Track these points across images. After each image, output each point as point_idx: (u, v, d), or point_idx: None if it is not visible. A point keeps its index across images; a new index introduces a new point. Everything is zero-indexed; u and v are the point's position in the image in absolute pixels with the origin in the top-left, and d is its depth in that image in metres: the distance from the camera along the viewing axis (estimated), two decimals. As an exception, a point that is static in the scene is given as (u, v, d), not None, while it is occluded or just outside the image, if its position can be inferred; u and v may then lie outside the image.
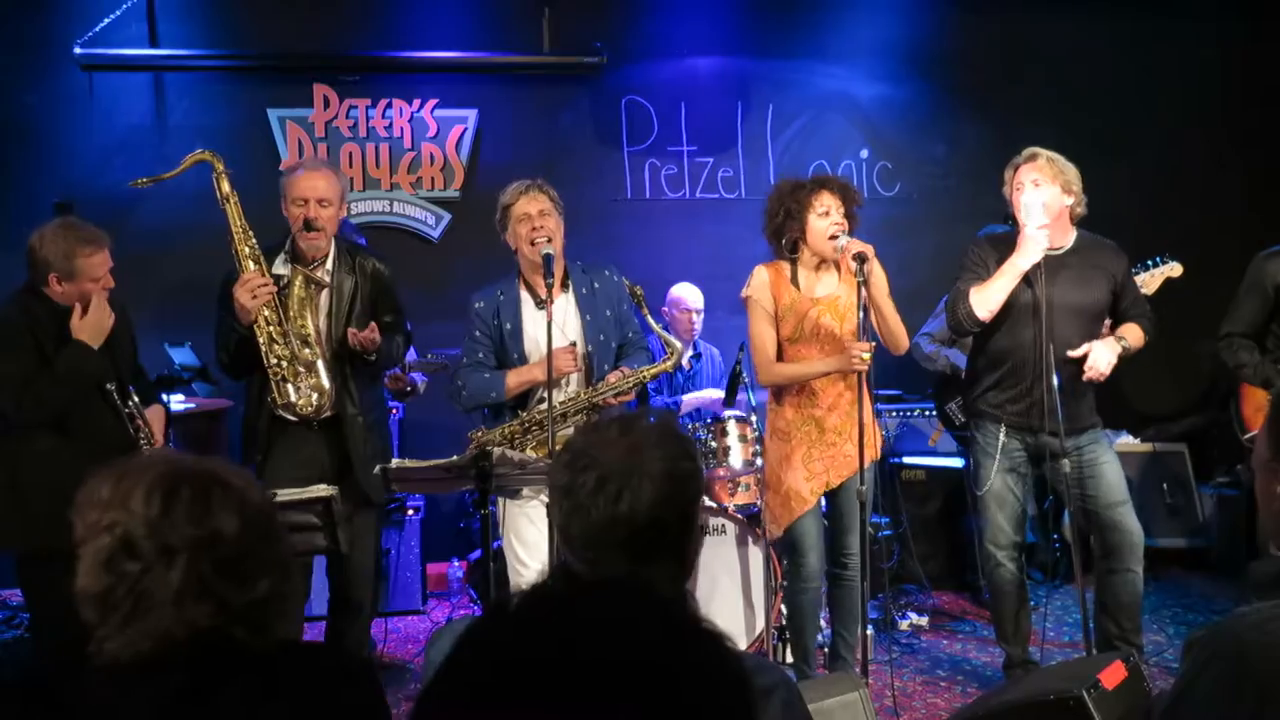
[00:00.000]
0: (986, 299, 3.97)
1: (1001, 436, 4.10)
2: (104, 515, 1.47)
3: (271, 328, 3.75)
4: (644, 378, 3.92)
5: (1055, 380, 3.88)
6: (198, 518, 1.45)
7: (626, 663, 0.83)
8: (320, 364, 3.81)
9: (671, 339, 4.01)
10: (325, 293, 3.88)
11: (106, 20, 5.85)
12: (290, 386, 3.78)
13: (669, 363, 3.99)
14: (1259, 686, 1.59)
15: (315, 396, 3.80)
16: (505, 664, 0.85)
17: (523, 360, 3.94)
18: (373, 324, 3.87)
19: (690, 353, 5.62)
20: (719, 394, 5.20)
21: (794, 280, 4.04)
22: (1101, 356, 3.97)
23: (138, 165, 5.77)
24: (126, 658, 1.44)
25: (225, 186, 3.79)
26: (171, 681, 1.44)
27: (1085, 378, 3.99)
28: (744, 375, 5.17)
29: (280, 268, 3.85)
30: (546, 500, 3.73)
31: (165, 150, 5.92)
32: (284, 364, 3.77)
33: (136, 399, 3.84)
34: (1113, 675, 2.96)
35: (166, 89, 6.12)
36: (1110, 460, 4.09)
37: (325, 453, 3.90)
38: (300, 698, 1.48)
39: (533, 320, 3.95)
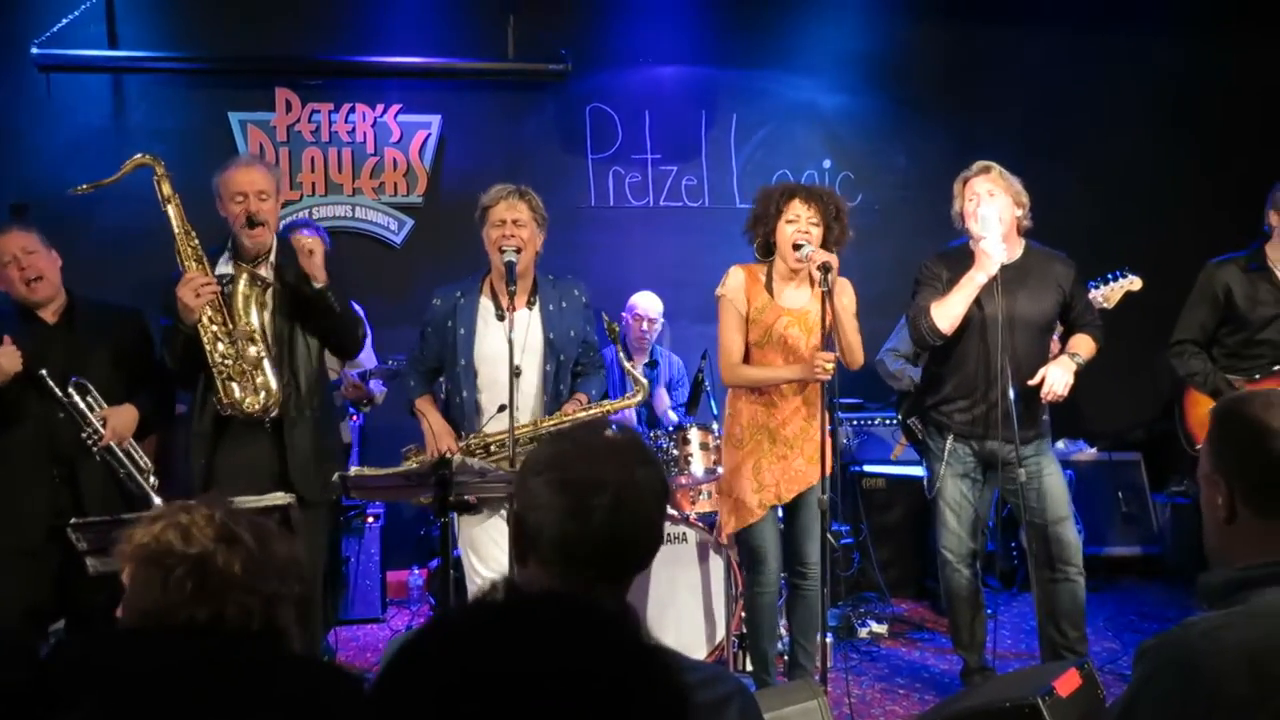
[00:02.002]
0: (947, 313, 4.03)
1: (949, 442, 4.17)
2: (164, 520, 1.78)
3: (215, 327, 3.74)
4: (607, 411, 3.94)
5: (1009, 391, 3.95)
6: (256, 526, 1.80)
7: (566, 678, 0.83)
8: (266, 362, 3.78)
9: (639, 376, 4.04)
10: (270, 289, 3.85)
11: (65, 21, 5.78)
12: (235, 385, 3.75)
13: (635, 399, 4.02)
14: (1209, 694, 1.62)
15: (263, 395, 3.77)
16: (445, 679, 0.85)
17: (469, 368, 3.93)
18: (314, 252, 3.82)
19: (645, 359, 5.62)
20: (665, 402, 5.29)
21: (768, 286, 4.06)
22: (1058, 379, 4.03)
23: (96, 168, 5.64)
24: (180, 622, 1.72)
25: (166, 189, 3.79)
26: (201, 647, 1.70)
27: (1044, 400, 4.04)
28: (706, 383, 5.19)
29: (224, 268, 3.83)
30: (506, 517, 3.73)
31: (124, 153, 5.75)
32: (228, 362, 3.74)
33: (82, 400, 3.77)
34: (1068, 683, 2.99)
35: (126, 91, 6.05)
36: (1053, 472, 4.15)
37: (271, 455, 3.85)
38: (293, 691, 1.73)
39: (490, 330, 3.93)
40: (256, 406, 3.77)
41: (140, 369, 4.03)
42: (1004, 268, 4.01)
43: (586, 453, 1.65)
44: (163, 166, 3.81)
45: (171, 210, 3.77)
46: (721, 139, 6.66)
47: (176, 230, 3.76)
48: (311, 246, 3.81)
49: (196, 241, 3.76)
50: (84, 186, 3.84)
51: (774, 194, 4.01)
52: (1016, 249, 4.12)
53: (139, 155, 3.83)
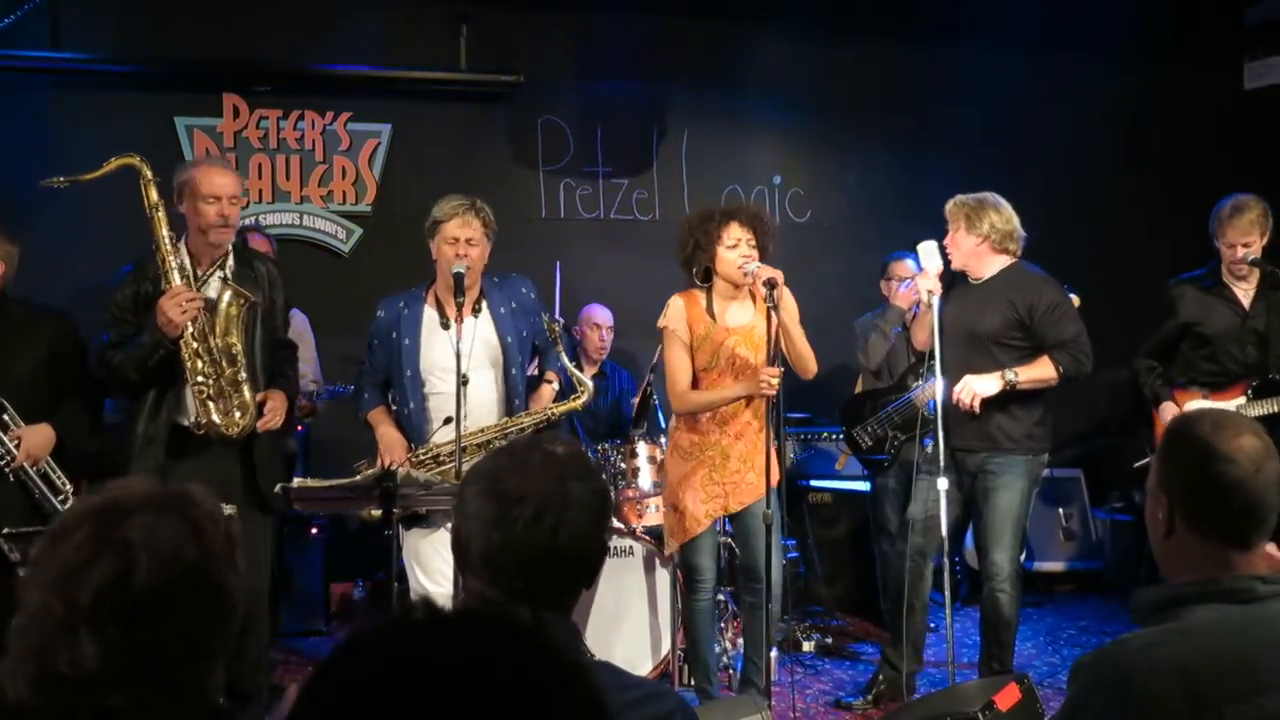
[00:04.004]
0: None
1: (929, 447, 4.29)
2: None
3: (196, 344, 3.63)
4: (554, 415, 3.93)
5: (937, 399, 4.06)
6: (90, 558, 1.36)
7: (470, 697, 0.84)
8: (245, 383, 3.70)
9: (582, 376, 4.04)
10: (249, 305, 3.79)
11: (6, 21, 5.67)
12: (213, 405, 3.65)
13: (579, 400, 4.01)
14: (1143, 711, 1.64)
15: (239, 415, 3.68)
16: (359, 700, 0.84)
17: (415, 378, 3.91)
18: (274, 400, 3.78)
19: (594, 371, 5.61)
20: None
21: (709, 310, 4.08)
22: (966, 385, 4.14)
23: (36, 172, 5.59)
24: (13, 701, 1.34)
25: (154, 195, 3.67)
26: None
27: (956, 404, 4.14)
28: (654, 397, 5.20)
29: (237, 286, 3.75)
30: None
31: (66, 157, 5.70)
32: (210, 382, 3.64)
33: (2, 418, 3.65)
34: (1007, 697, 3.02)
35: (69, 94, 5.93)
36: (1002, 488, 4.21)
37: (234, 464, 3.79)
38: None
39: (435, 339, 3.91)
40: (235, 430, 3.67)
41: (68, 377, 3.87)
42: (970, 286, 4.31)
43: (520, 465, 1.67)
44: (150, 170, 3.70)
45: (157, 218, 3.66)
46: (673, 153, 6.67)
47: (163, 240, 3.65)
48: None
49: (182, 253, 3.68)
50: (61, 180, 3.71)
51: (710, 219, 4.02)
52: (987, 268, 4.28)
53: (127, 155, 3.70)
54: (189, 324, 3.60)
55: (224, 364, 3.67)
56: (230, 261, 3.83)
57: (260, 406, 3.78)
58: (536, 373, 4.27)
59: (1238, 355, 4.59)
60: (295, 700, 0.88)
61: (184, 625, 1.38)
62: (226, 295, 3.70)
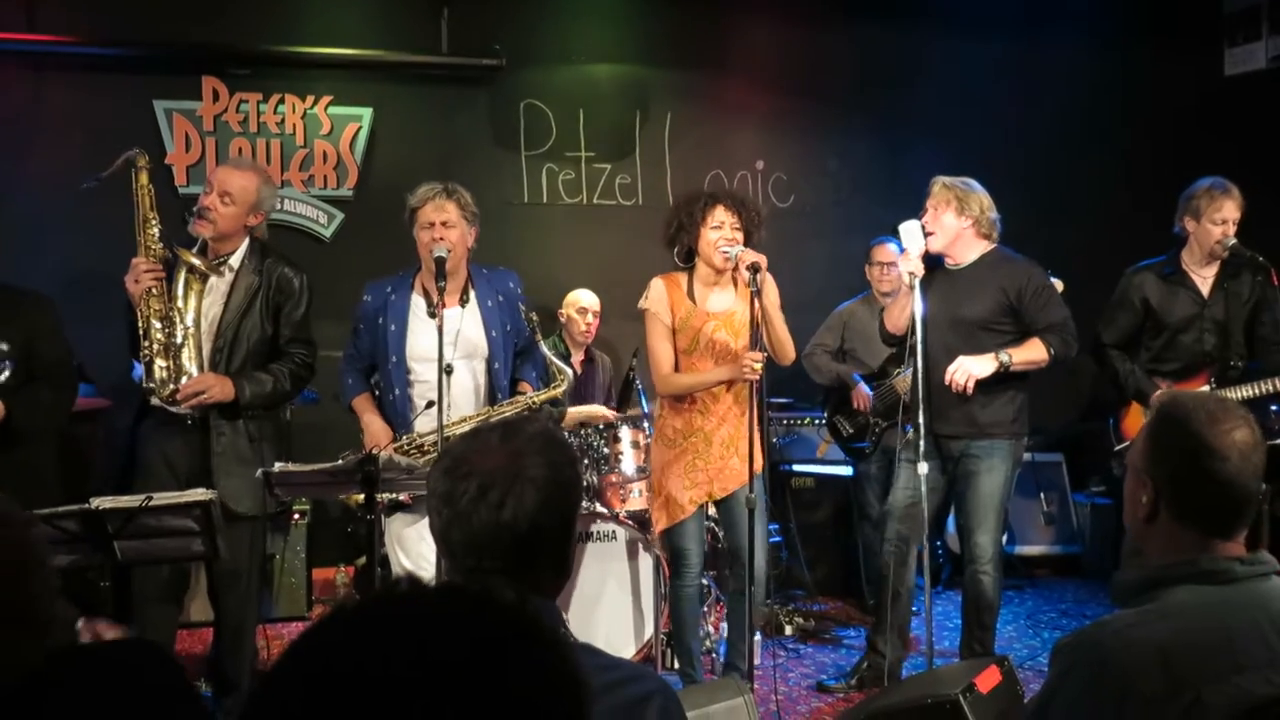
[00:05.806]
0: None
1: (909, 433, 4.29)
2: None
3: (152, 312, 3.75)
4: (534, 403, 3.92)
5: (918, 384, 4.05)
6: None
7: (448, 669, 0.84)
8: (186, 351, 3.76)
9: (562, 365, 4.03)
10: (226, 286, 3.83)
11: (-19, 3, 5.61)
12: (156, 363, 3.75)
13: (559, 389, 3.99)
14: (1121, 690, 1.66)
15: (169, 378, 3.75)
16: (330, 669, 0.85)
17: (400, 365, 3.91)
18: (205, 380, 3.76)
19: (581, 356, 5.61)
20: (606, 412, 5.19)
21: (690, 293, 4.07)
22: (960, 365, 4.13)
23: (13, 155, 5.57)
24: None
25: (144, 179, 3.83)
26: None
27: (948, 384, 4.14)
28: (638, 381, 5.20)
29: (194, 256, 3.86)
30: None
31: (43, 141, 5.71)
32: (156, 345, 3.75)
33: None
34: (988, 679, 3.05)
35: (45, 77, 5.88)
36: (985, 471, 4.23)
37: (190, 454, 3.81)
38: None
39: (421, 327, 3.90)
40: (164, 393, 3.74)
41: (44, 359, 3.81)
42: (951, 271, 4.27)
43: (482, 443, 1.68)
44: (146, 159, 3.88)
45: (140, 196, 3.82)
46: (655, 138, 6.66)
47: (137, 217, 3.81)
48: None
49: (154, 231, 3.79)
50: (92, 184, 3.92)
51: (696, 200, 4.04)
52: (968, 253, 4.28)
53: (133, 151, 3.87)
54: (148, 294, 3.74)
55: (173, 330, 3.78)
56: (235, 259, 3.87)
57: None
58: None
59: (1197, 344, 4.60)
60: (274, 667, 0.87)
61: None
62: (185, 268, 3.81)
